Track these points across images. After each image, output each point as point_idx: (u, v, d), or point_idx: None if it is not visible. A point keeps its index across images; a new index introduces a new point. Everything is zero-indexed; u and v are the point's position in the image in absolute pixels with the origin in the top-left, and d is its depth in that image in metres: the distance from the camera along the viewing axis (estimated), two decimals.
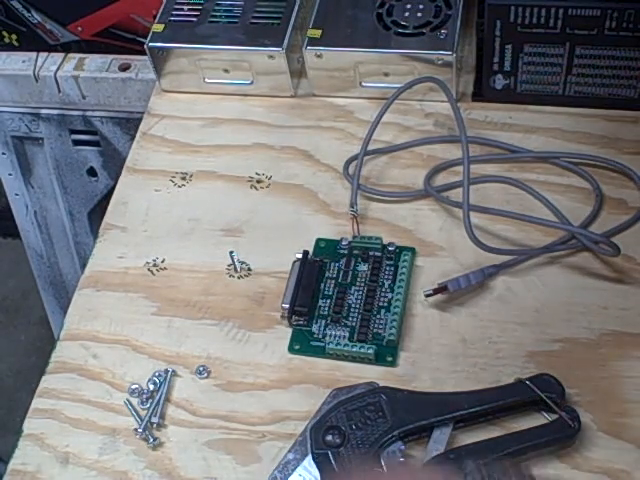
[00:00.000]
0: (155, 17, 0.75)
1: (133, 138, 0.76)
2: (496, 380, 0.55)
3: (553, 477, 0.51)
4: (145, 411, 0.56)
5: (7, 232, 1.53)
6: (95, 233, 0.98)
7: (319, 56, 0.70)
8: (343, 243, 0.62)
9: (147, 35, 0.73)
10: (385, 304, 0.59)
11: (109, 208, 0.69)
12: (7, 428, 1.45)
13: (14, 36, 0.91)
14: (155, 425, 0.55)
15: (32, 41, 0.91)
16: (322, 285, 0.60)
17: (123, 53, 0.89)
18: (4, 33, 0.91)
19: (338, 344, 0.57)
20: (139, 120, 0.76)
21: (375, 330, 0.58)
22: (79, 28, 0.89)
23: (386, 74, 0.70)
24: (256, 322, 0.60)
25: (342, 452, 0.50)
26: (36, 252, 1.08)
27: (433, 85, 0.68)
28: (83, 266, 0.66)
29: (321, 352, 0.57)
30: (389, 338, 0.57)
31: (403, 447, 0.51)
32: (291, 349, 0.58)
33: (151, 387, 0.57)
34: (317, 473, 0.51)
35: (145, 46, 0.73)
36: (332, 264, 0.61)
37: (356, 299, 0.59)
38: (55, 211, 1.02)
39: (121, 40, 0.89)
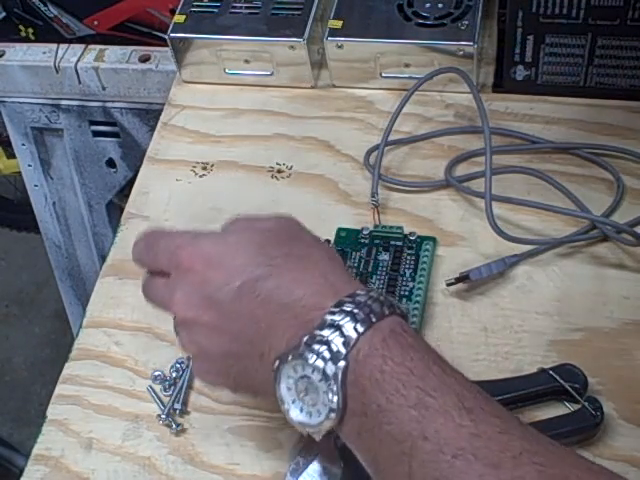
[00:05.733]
0: (171, 11, 0.75)
1: (152, 129, 0.76)
2: (518, 369, 0.55)
3: None
4: (168, 398, 0.56)
5: (22, 226, 1.54)
6: (113, 224, 1.00)
7: (340, 47, 0.70)
8: (364, 232, 0.62)
9: (163, 29, 0.74)
10: (406, 293, 0.59)
11: (130, 197, 0.69)
12: (22, 420, 1.46)
13: (30, 30, 0.92)
14: (178, 411, 0.56)
15: (48, 35, 0.92)
16: None
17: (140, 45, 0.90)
18: (21, 27, 0.92)
19: None
20: (158, 111, 0.76)
21: None
22: (95, 22, 0.90)
23: (406, 65, 0.70)
24: None
25: None
26: (54, 243, 1.08)
27: (453, 76, 0.68)
28: (101, 257, 0.67)
29: None
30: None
31: None
32: None
33: (173, 374, 0.58)
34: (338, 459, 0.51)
35: (167, 37, 0.73)
36: (353, 253, 0.61)
37: (377, 288, 0.59)
38: (74, 202, 1.03)
39: (137, 34, 0.90)
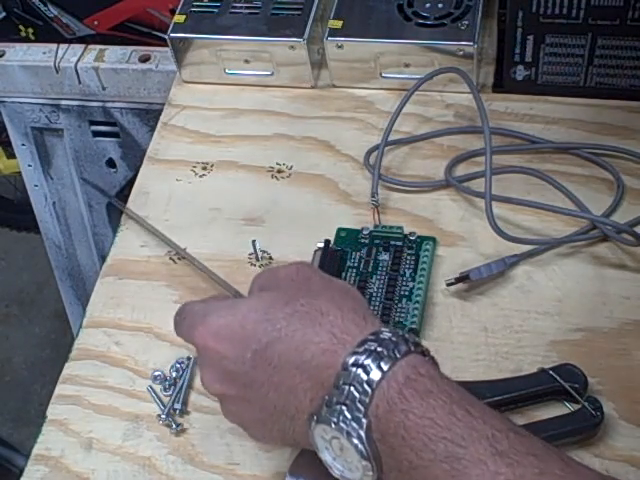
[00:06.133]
0: (171, 11, 0.75)
1: (152, 129, 0.76)
2: (518, 369, 0.55)
3: None
4: (168, 398, 0.56)
5: (22, 226, 1.54)
6: (113, 224, 1.00)
7: (340, 47, 0.70)
8: (364, 232, 0.62)
9: (163, 29, 0.74)
10: (406, 293, 0.59)
11: (130, 197, 0.69)
12: (22, 420, 1.46)
13: (30, 30, 0.92)
14: (178, 411, 0.56)
15: (48, 35, 0.92)
16: (343, 274, 0.60)
17: (140, 45, 0.90)
18: (21, 27, 0.92)
19: None
20: (158, 111, 0.76)
21: (397, 319, 0.58)
22: (95, 22, 0.90)
23: (406, 65, 0.70)
24: None
25: None
26: (54, 243, 1.08)
27: (453, 76, 0.68)
28: (101, 257, 0.67)
29: None
30: (411, 327, 0.57)
31: None
32: None
33: (174, 374, 0.58)
34: None
35: (167, 37, 0.73)
36: (353, 253, 0.61)
37: (377, 288, 0.59)
38: (74, 202, 1.03)
39: (137, 34, 0.90)
